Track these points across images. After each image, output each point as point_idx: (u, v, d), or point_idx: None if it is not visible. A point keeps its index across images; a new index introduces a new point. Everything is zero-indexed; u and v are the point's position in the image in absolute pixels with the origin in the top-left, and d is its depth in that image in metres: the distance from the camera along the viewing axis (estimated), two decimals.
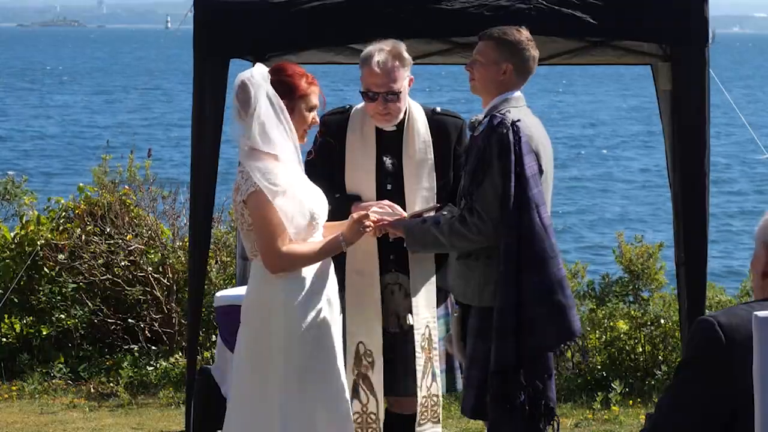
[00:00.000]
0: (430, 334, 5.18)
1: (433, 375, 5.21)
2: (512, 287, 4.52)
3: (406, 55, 5.07)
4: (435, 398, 5.23)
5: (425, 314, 5.17)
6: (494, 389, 4.58)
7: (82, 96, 52.59)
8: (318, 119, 4.68)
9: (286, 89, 4.54)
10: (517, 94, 4.73)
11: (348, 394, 4.69)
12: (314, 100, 4.61)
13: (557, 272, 4.58)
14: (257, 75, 4.48)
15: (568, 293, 4.62)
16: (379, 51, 5.02)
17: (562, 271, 4.62)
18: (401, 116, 5.14)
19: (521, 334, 4.54)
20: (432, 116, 5.24)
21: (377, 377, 5.17)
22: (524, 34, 4.72)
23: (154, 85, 51.11)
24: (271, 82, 4.50)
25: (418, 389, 5.17)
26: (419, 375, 5.16)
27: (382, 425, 5.21)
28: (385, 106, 5.05)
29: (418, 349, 5.15)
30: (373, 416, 5.18)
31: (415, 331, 5.15)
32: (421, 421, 5.21)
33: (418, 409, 5.19)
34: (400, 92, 5.06)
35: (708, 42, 5.51)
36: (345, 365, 5.09)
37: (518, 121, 4.57)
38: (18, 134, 37.46)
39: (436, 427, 5.28)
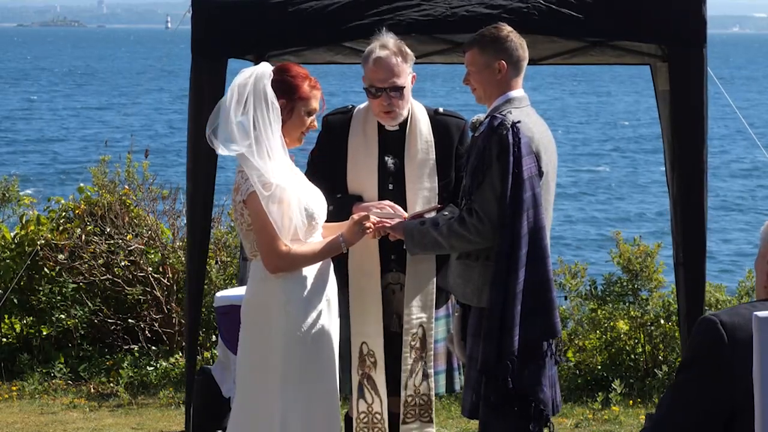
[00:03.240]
0: (424, 335, 5.18)
1: (425, 375, 5.19)
2: (501, 288, 4.52)
3: (408, 51, 5.07)
4: (425, 398, 5.20)
5: (419, 315, 5.16)
6: (483, 389, 4.58)
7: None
8: (316, 124, 4.68)
9: (287, 89, 4.54)
10: (521, 93, 4.72)
11: (338, 396, 4.69)
12: (314, 104, 4.61)
13: (544, 273, 4.60)
14: (253, 74, 4.48)
15: (553, 295, 4.65)
16: (381, 47, 5.03)
17: (550, 273, 4.63)
18: (405, 114, 5.14)
19: (505, 332, 4.53)
20: (434, 116, 5.24)
21: (380, 377, 5.16)
22: (503, 29, 4.72)
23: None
24: (273, 81, 4.49)
25: (402, 389, 5.16)
26: (404, 374, 5.15)
27: (387, 425, 5.20)
28: (389, 102, 5.05)
29: (406, 348, 5.15)
30: (378, 416, 5.18)
31: (404, 331, 5.15)
32: (407, 420, 5.20)
33: (402, 408, 5.18)
34: (404, 87, 5.06)
35: (706, 42, 5.51)
36: (350, 366, 5.10)
37: (519, 122, 4.57)
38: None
39: (429, 427, 5.25)
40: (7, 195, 9.21)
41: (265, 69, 4.52)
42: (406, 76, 5.06)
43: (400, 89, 5.04)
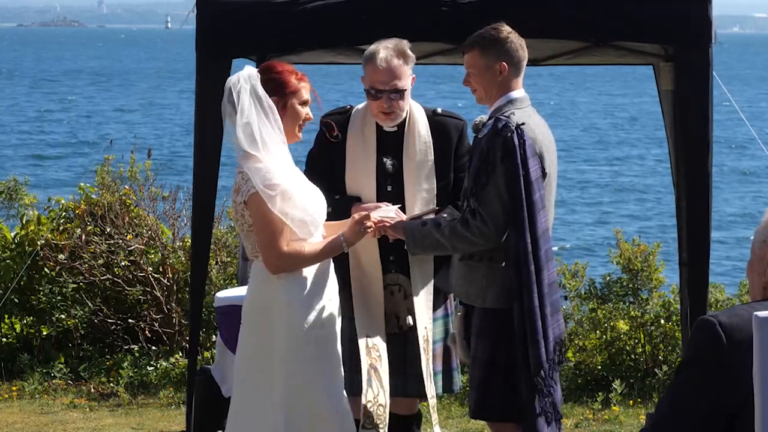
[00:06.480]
0: (427, 336, 5.18)
1: (430, 376, 5.20)
2: (533, 289, 4.54)
3: (409, 52, 5.07)
4: (433, 399, 5.22)
5: (424, 317, 5.16)
6: (527, 391, 4.58)
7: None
8: (311, 115, 4.68)
9: (277, 86, 4.55)
10: (521, 94, 4.72)
11: (344, 392, 4.68)
12: (305, 94, 4.62)
13: (551, 275, 4.64)
14: (241, 78, 4.49)
15: (558, 296, 4.72)
16: (383, 48, 5.02)
17: (555, 274, 4.67)
18: (403, 115, 5.13)
19: (546, 334, 4.57)
20: (433, 117, 5.24)
21: (384, 369, 5.16)
22: (503, 29, 4.71)
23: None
24: (261, 81, 4.50)
25: (428, 391, 5.16)
26: (427, 378, 5.15)
27: (388, 418, 5.20)
28: (389, 104, 5.05)
29: (421, 351, 5.14)
30: (382, 408, 5.18)
31: (419, 335, 5.14)
32: (434, 423, 5.23)
33: (433, 415, 5.19)
34: (405, 90, 5.06)
35: (711, 42, 5.50)
36: (357, 363, 5.09)
37: (523, 124, 4.57)
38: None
39: (435, 427, 5.28)
40: (13, 195, 9.21)
41: (251, 71, 4.54)
42: (407, 78, 5.05)
43: (401, 92, 5.04)
